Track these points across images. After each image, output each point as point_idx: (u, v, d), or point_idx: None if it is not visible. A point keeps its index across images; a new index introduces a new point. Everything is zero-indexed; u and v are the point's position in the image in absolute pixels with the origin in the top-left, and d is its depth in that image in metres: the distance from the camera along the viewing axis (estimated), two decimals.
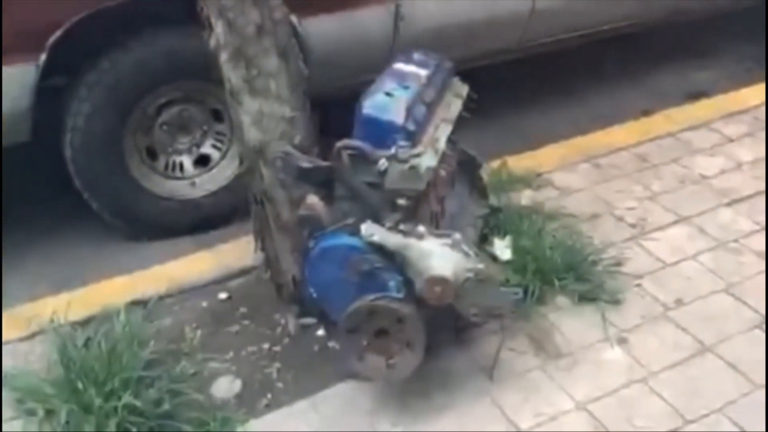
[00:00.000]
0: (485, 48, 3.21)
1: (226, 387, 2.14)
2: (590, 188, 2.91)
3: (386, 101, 2.06)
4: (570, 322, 2.31)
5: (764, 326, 2.29)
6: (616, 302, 2.37)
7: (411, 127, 2.05)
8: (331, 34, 2.75)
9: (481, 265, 2.00)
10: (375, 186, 2.00)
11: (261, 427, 2.03)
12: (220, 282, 2.50)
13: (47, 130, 2.58)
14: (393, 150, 1.98)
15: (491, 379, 2.12)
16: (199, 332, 2.30)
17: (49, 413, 1.97)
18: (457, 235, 2.00)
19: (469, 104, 2.41)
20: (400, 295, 1.97)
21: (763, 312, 2.33)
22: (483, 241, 2.48)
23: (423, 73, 2.24)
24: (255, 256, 2.42)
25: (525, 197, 2.78)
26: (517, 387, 2.10)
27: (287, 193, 2.18)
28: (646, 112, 3.49)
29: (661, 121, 3.35)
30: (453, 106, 2.34)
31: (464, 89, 2.44)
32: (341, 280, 2.01)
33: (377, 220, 1.99)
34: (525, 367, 2.17)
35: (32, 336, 2.25)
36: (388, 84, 2.14)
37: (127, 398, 1.93)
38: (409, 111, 2.06)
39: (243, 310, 2.40)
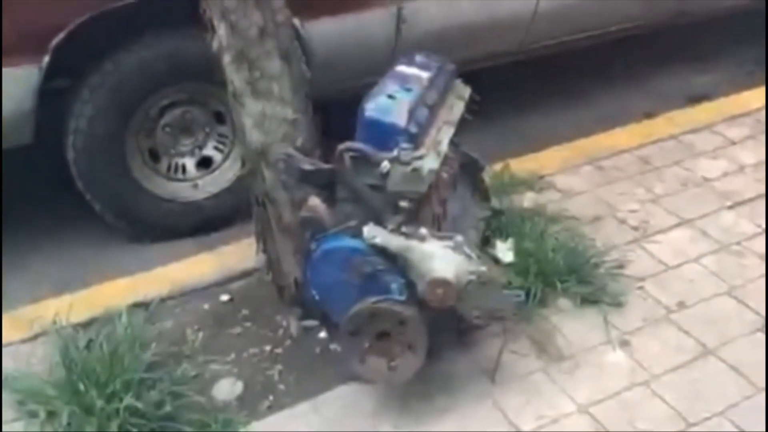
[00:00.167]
0: (488, 50, 3.22)
1: (227, 389, 2.14)
2: (592, 191, 2.91)
3: (388, 104, 2.07)
4: (572, 324, 2.31)
5: (766, 329, 2.29)
6: (618, 305, 2.37)
7: (413, 129, 2.05)
8: (333, 37, 2.75)
9: (483, 268, 2.00)
10: (377, 188, 2.00)
11: (262, 429, 2.03)
12: (221, 284, 2.50)
13: (50, 132, 2.58)
14: (395, 152, 1.98)
15: (493, 382, 2.12)
16: (200, 334, 2.30)
17: (51, 415, 1.97)
18: (459, 238, 2.00)
19: (471, 106, 2.41)
20: (402, 298, 1.97)
21: (765, 315, 2.33)
22: (485, 243, 2.48)
23: (425, 75, 2.24)
24: (257, 258, 2.42)
25: (527, 199, 2.78)
26: (518, 389, 2.10)
27: (289, 195, 2.18)
28: (648, 115, 3.49)
29: (664, 123, 3.35)
30: (455, 108, 2.34)
31: (466, 91, 2.44)
32: (343, 283, 2.01)
33: (379, 222, 1.99)
34: (527, 369, 2.16)
35: (34, 338, 2.25)
36: (391, 86, 2.14)
37: (128, 400, 1.92)
38: (412, 113, 2.06)
39: (245, 312, 2.40)
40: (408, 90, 2.13)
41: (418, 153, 2.01)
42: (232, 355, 2.24)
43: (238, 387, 2.15)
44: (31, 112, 2.46)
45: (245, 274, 2.52)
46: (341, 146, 2.01)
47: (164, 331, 2.28)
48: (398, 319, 1.95)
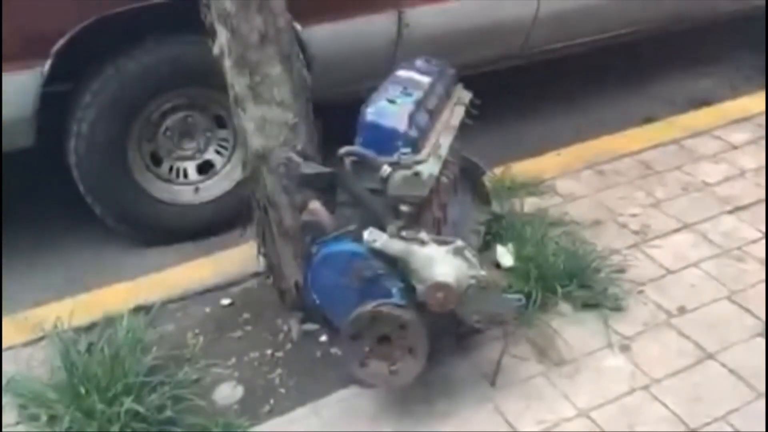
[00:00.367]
0: (488, 55, 3.22)
1: (228, 393, 2.14)
2: (593, 195, 2.92)
3: (389, 108, 2.07)
4: (572, 328, 2.31)
5: (766, 334, 2.28)
6: (618, 309, 2.37)
7: (413, 133, 2.05)
8: (334, 41, 2.76)
9: (483, 272, 2.00)
10: (378, 192, 2.00)
11: None
12: (222, 288, 2.50)
13: (51, 136, 2.59)
14: (395, 157, 1.99)
15: (493, 386, 2.12)
16: (201, 338, 2.30)
17: (52, 419, 1.97)
18: (460, 242, 2.00)
19: (471, 111, 2.42)
20: (403, 302, 1.97)
21: (766, 319, 2.33)
22: (486, 247, 2.48)
23: (426, 80, 2.25)
24: (258, 262, 2.42)
25: (528, 204, 2.78)
26: (519, 394, 2.10)
27: (290, 199, 2.18)
28: (649, 119, 3.50)
29: (664, 128, 3.36)
30: (456, 112, 2.35)
31: (467, 96, 2.45)
32: (344, 287, 2.01)
33: (380, 226, 1.99)
34: (527, 373, 2.16)
35: (35, 341, 2.25)
36: (391, 91, 2.15)
37: (129, 404, 1.93)
38: (412, 118, 2.06)
39: (245, 316, 2.40)
40: (408, 95, 2.14)
41: (418, 157, 2.01)
42: (233, 359, 2.24)
43: (239, 391, 2.15)
44: (32, 116, 2.47)
45: (246, 278, 2.52)
46: (342, 150, 2.02)
47: (165, 334, 2.28)
48: (399, 323, 1.95)
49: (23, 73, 2.41)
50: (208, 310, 2.43)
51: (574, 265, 2.42)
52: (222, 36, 2.06)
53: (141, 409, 1.93)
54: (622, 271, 2.50)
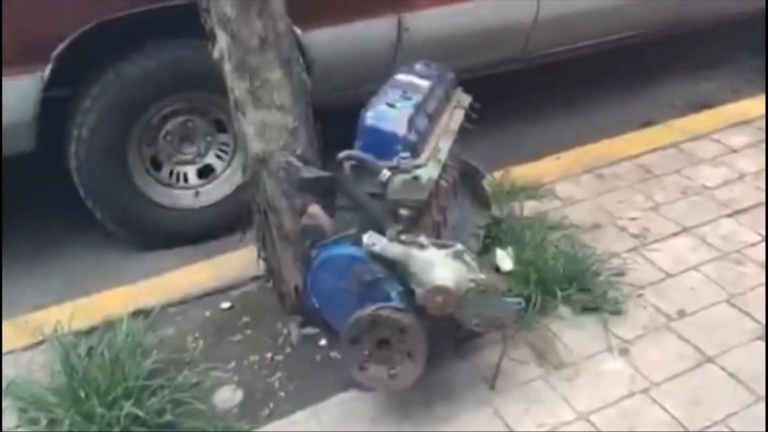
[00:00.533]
0: (488, 59, 3.23)
1: (228, 396, 2.15)
2: (592, 198, 2.92)
3: (388, 112, 2.08)
4: (572, 332, 2.31)
5: (766, 337, 2.29)
6: (618, 313, 2.37)
7: (413, 137, 2.06)
8: (334, 46, 2.77)
9: (482, 276, 2.00)
10: (377, 196, 2.01)
11: None
12: (222, 291, 2.51)
13: (51, 140, 2.59)
14: (395, 161, 1.99)
15: (493, 389, 2.12)
16: (201, 342, 2.31)
17: (52, 422, 1.97)
18: (459, 246, 2.00)
19: (471, 115, 2.42)
20: (402, 306, 1.97)
21: (766, 323, 2.33)
22: (485, 251, 2.48)
23: (425, 84, 2.25)
24: (257, 265, 2.42)
25: (527, 207, 2.78)
26: (518, 397, 2.10)
27: (290, 203, 2.19)
28: (648, 123, 3.50)
29: (663, 131, 3.36)
30: (455, 116, 2.35)
31: (466, 100, 2.45)
32: (343, 290, 2.02)
33: (379, 230, 1.99)
34: (527, 377, 2.17)
35: (35, 345, 2.26)
36: (391, 95, 2.15)
37: (129, 408, 1.93)
38: (411, 122, 2.07)
39: (245, 319, 2.41)
40: (408, 98, 2.14)
41: (417, 161, 2.02)
42: (233, 363, 2.24)
43: (239, 394, 2.15)
44: (32, 121, 2.48)
45: (246, 282, 2.53)
46: (341, 154, 2.02)
47: (165, 338, 2.29)
48: (398, 327, 1.95)
49: (23, 77, 2.42)
50: (207, 313, 2.44)
51: (573, 269, 2.43)
52: (222, 40, 2.07)
53: (141, 413, 1.94)
54: (621, 274, 2.50)
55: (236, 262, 2.59)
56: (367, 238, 1.97)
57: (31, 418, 2.00)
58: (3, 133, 2.43)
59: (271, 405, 2.12)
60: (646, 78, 3.99)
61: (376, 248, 1.96)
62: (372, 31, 2.86)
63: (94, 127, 2.57)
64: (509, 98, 3.61)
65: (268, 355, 2.28)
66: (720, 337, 2.29)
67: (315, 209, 2.09)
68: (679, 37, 3.87)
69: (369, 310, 1.95)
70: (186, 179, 2.85)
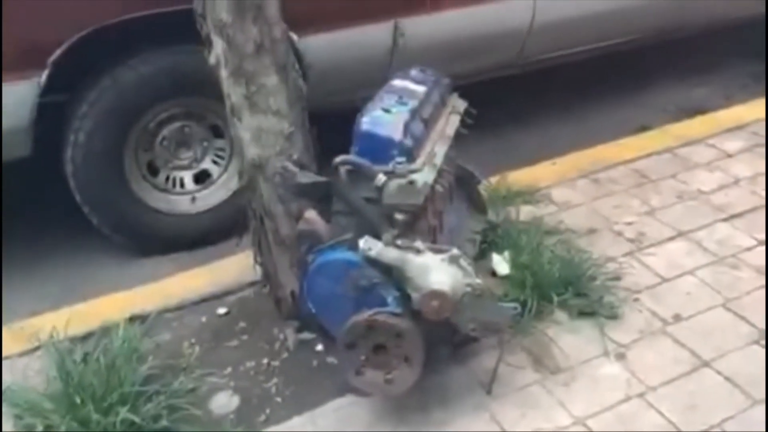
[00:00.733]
0: (484, 64, 3.24)
1: (224, 402, 2.14)
2: (588, 203, 2.93)
3: (384, 117, 2.08)
4: (568, 336, 2.31)
5: (762, 341, 2.29)
6: (614, 317, 2.37)
7: (409, 143, 2.06)
8: (329, 51, 2.77)
9: (478, 280, 2.01)
10: (373, 201, 2.01)
11: None
12: (218, 297, 2.51)
13: (48, 146, 2.59)
14: (391, 165, 1.99)
15: (489, 394, 2.12)
16: (197, 347, 2.30)
17: (48, 428, 1.96)
18: (455, 250, 2.01)
19: (467, 120, 2.43)
20: (398, 310, 1.97)
21: (762, 327, 2.33)
22: (481, 256, 2.48)
23: (421, 89, 2.26)
24: (254, 271, 2.42)
25: (523, 212, 2.79)
26: (515, 402, 2.10)
27: (286, 208, 2.19)
28: (644, 128, 3.51)
29: (659, 136, 3.37)
30: (451, 121, 2.36)
31: (462, 105, 2.46)
32: (339, 295, 2.02)
33: (375, 235, 2.00)
34: (523, 382, 2.17)
35: (31, 351, 2.25)
36: (387, 100, 2.16)
37: (125, 413, 1.93)
38: (407, 127, 2.08)
39: (242, 325, 2.41)
40: (404, 104, 2.15)
41: (413, 166, 2.02)
42: (229, 369, 2.24)
43: (235, 400, 2.15)
44: (29, 126, 2.48)
45: (242, 288, 2.53)
46: (337, 159, 2.02)
47: (161, 344, 2.29)
48: (394, 332, 1.95)
49: (20, 83, 2.42)
50: (204, 319, 2.43)
51: (569, 273, 2.43)
52: (218, 46, 2.07)
53: (137, 419, 1.93)
54: (617, 279, 2.50)
55: (232, 267, 2.59)
56: (363, 242, 1.98)
57: (26, 425, 2.00)
58: (0, 138, 2.43)
59: (268, 410, 2.12)
60: (641, 83, 4.01)
61: (372, 253, 1.96)
62: (368, 36, 2.87)
63: (90, 132, 2.58)
64: (505, 103, 3.62)
65: (265, 360, 2.27)
66: (716, 341, 2.29)
67: (311, 214, 2.10)
68: (674, 43, 3.89)
69: (365, 315, 1.95)
70: (182, 185, 2.85)
